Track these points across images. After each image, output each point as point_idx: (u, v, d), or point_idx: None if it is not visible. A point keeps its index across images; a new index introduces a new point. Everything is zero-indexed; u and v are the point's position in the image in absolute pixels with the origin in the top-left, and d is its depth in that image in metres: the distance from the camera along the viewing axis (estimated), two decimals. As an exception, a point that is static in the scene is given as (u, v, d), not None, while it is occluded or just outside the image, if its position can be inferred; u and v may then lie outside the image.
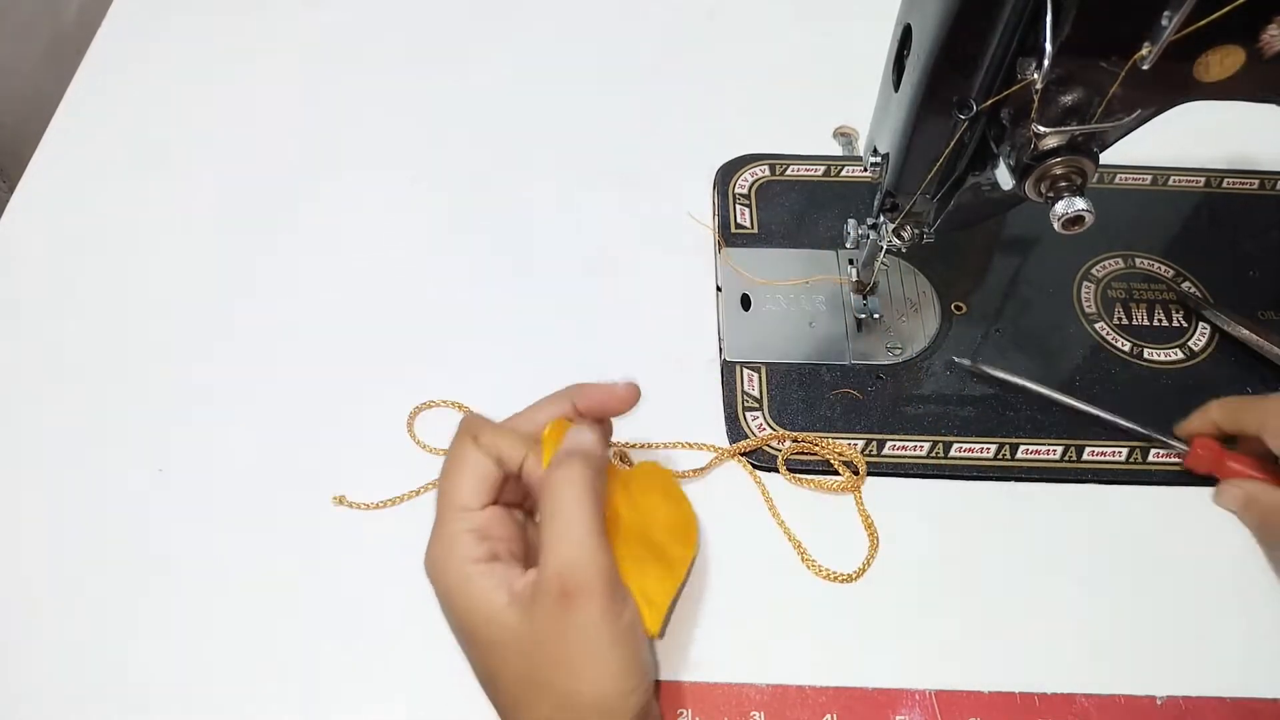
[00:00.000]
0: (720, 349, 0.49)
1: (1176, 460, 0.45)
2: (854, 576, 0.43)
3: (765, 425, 0.46)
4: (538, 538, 0.35)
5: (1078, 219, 0.37)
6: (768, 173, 0.56)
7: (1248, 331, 0.48)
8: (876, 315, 0.49)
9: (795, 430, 0.46)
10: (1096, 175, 0.37)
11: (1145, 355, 0.49)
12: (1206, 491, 0.45)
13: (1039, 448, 0.46)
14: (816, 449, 0.45)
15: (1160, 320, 0.50)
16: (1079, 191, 0.36)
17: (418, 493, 0.45)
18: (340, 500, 0.44)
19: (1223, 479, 0.44)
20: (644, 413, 0.47)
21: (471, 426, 0.37)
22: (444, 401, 0.47)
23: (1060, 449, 0.46)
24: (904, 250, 0.44)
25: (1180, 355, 0.49)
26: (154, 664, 0.40)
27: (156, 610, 0.42)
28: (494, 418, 0.47)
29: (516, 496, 0.39)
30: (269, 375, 0.48)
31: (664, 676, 0.40)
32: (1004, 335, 0.49)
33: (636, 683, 0.34)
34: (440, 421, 0.47)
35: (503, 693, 0.35)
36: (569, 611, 0.33)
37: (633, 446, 0.46)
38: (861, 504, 0.44)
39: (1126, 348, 0.49)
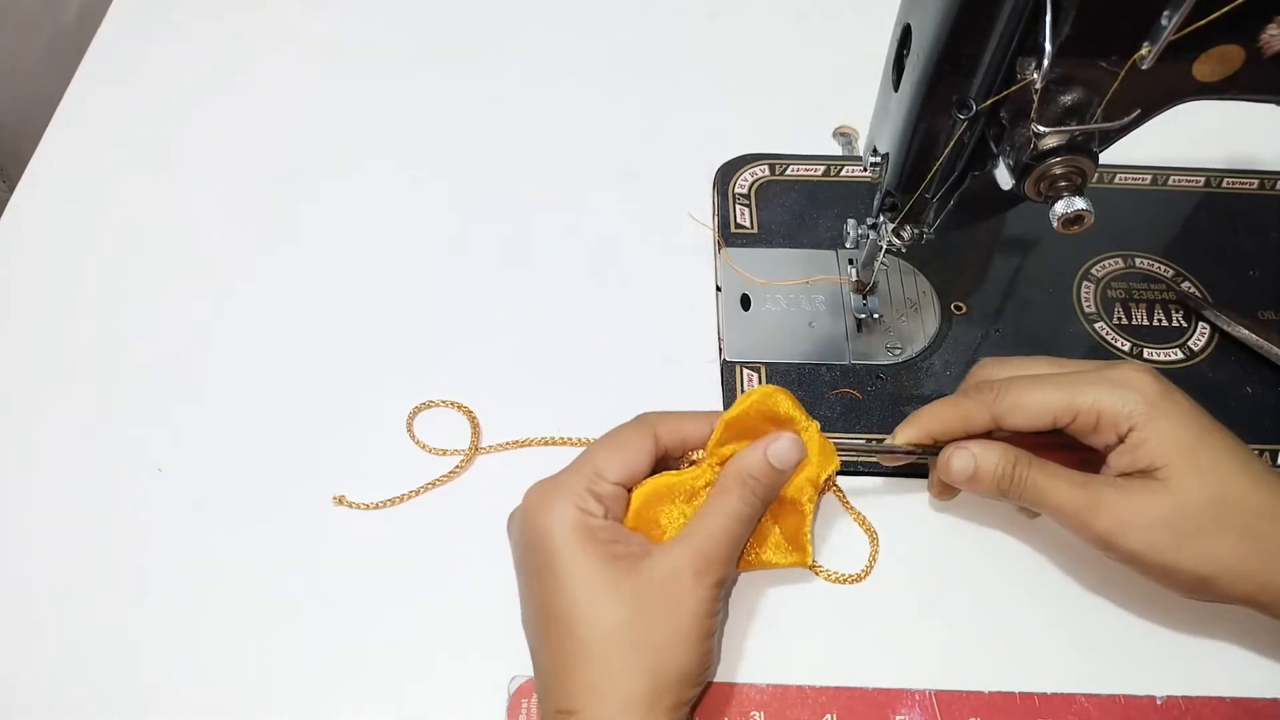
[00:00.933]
0: (720, 349, 0.49)
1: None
2: (859, 577, 0.42)
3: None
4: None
5: (1077, 219, 0.37)
6: (768, 173, 0.56)
7: (1247, 331, 0.48)
8: (876, 315, 0.49)
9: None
10: (1096, 175, 0.37)
11: (1145, 355, 0.49)
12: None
13: (1039, 448, 0.46)
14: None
15: (1160, 320, 0.50)
16: (1079, 191, 0.36)
17: (417, 493, 0.45)
18: (340, 500, 0.44)
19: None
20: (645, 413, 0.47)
21: (651, 419, 0.39)
22: (443, 401, 0.47)
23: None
24: (904, 250, 0.44)
25: (1180, 355, 0.49)
26: (153, 665, 0.40)
27: (156, 610, 0.42)
28: (494, 418, 0.47)
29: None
30: (269, 375, 0.48)
31: (664, 676, 0.40)
32: (1004, 335, 0.49)
33: (709, 670, 0.37)
34: (440, 421, 0.47)
35: (576, 640, 0.34)
36: (701, 574, 0.35)
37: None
38: (847, 502, 0.44)
39: (1126, 348, 0.49)
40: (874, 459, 0.40)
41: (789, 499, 0.40)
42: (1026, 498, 0.38)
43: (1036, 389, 0.38)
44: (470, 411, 0.47)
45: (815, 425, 0.40)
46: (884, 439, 0.41)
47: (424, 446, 0.46)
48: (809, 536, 0.41)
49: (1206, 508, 0.35)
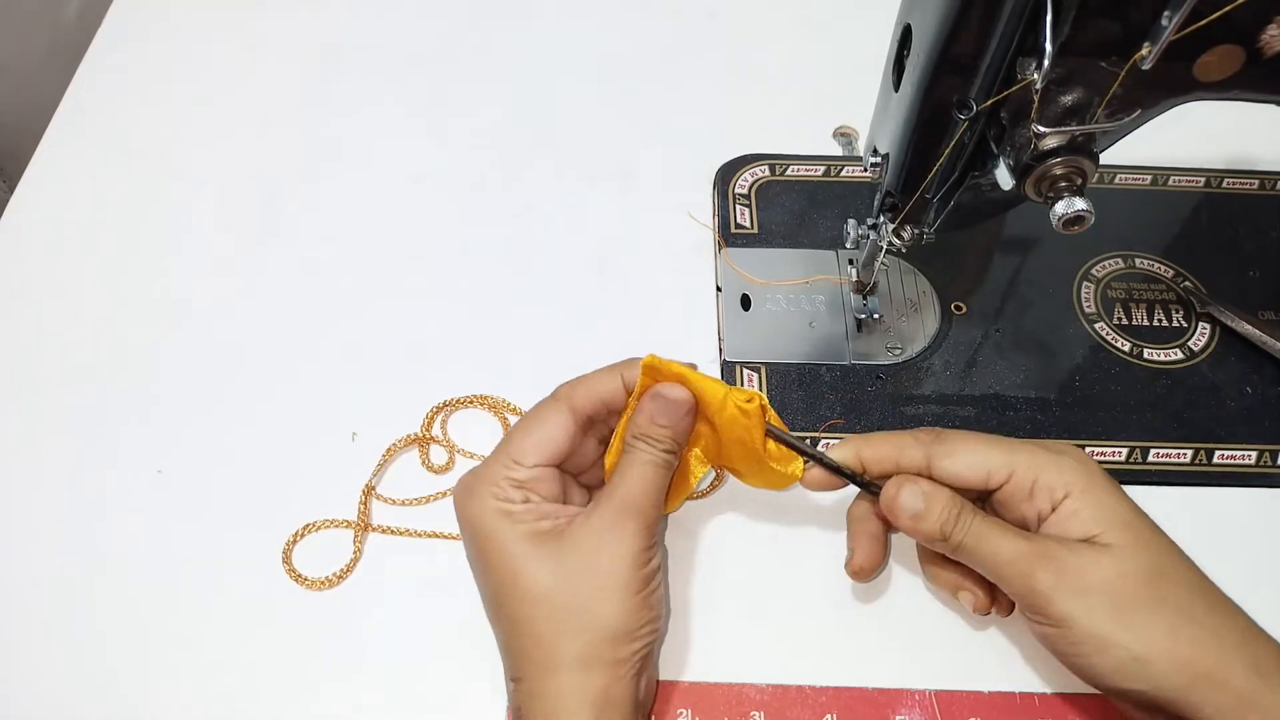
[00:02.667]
0: (720, 349, 0.49)
1: (1170, 461, 0.45)
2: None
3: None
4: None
5: (1078, 219, 0.37)
6: (768, 173, 0.56)
7: (1250, 327, 0.48)
8: (876, 315, 0.49)
9: (796, 431, 0.46)
10: (1096, 175, 0.37)
11: (1145, 355, 0.49)
12: (1207, 492, 0.45)
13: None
14: None
15: (1160, 320, 0.50)
16: (1079, 191, 0.36)
17: (422, 500, 0.45)
18: (369, 493, 0.45)
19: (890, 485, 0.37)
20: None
21: (564, 390, 0.39)
22: (470, 400, 0.47)
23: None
24: (904, 250, 0.44)
25: (1180, 355, 0.49)
26: (152, 665, 0.40)
27: (155, 611, 0.42)
28: (495, 417, 0.47)
29: (577, 468, 0.40)
30: (269, 374, 0.48)
31: (663, 676, 0.40)
32: (1004, 335, 0.49)
33: (651, 621, 0.36)
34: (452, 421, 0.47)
35: (509, 617, 0.36)
36: (617, 528, 0.36)
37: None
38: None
39: (1126, 348, 0.49)
40: (805, 458, 0.38)
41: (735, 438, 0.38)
42: (968, 544, 0.36)
43: (978, 441, 0.37)
44: (499, 404, 0.47)
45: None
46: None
47: (431, 467, 0.46)
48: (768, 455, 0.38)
49: (1148, 578, 0.33)
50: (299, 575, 0.43)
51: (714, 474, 0.45)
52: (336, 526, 0.44)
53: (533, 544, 0.36)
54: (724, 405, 0.37)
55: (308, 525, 0.44)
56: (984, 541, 0.35)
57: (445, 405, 0.47)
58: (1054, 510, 0.35)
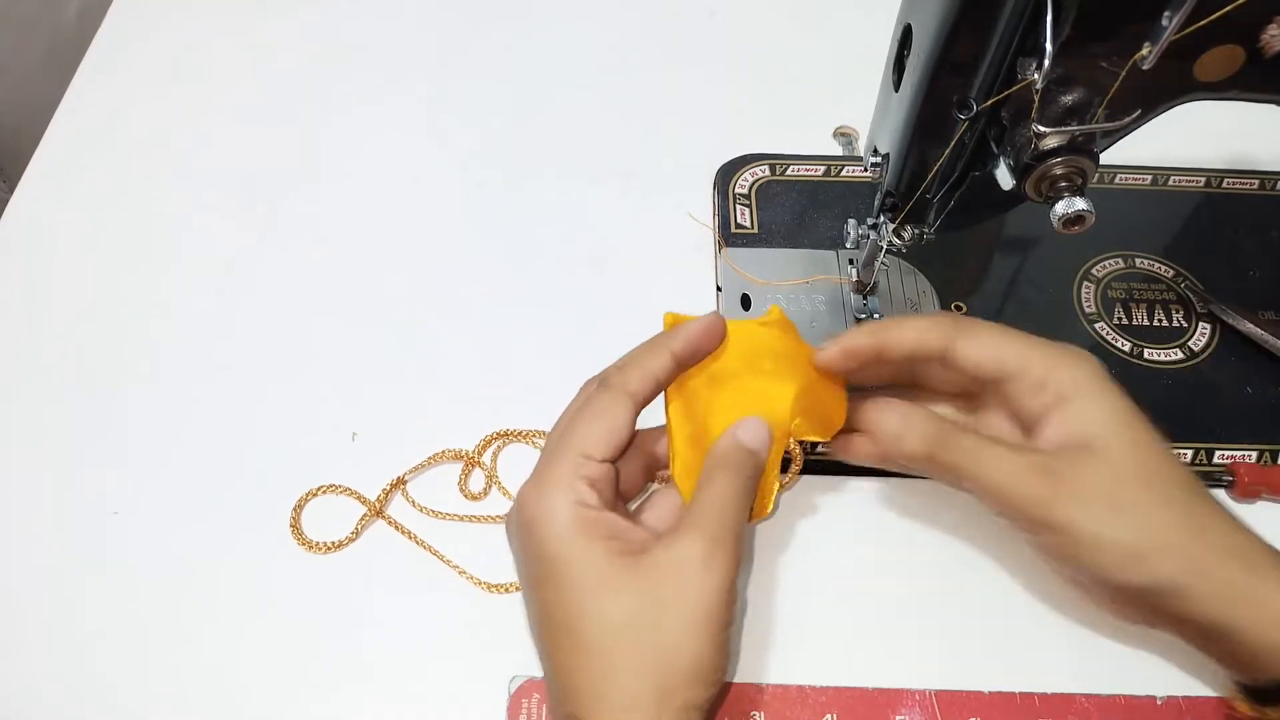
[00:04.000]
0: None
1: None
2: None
3: (765, 425, 0.46)
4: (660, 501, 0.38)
5: (1078, 219, 0.37)
6: (768, 173, 0.56)
7: (1253, 326, 0.48)
8: (877, 315, 0.49)
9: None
10: (1096, 175, 0.37)
11: (1145, 355, 0.49)
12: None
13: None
14: None
15: (1160, 320, 0.50)
16: (1079, 191, 0.36)
17: (448, 516, 0.45)
18: (404, 484, 0.45)
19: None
20: (644, 413, 0.47)
21: (616, 380, 0.37)
22: (530, 433, 0.47)
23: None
24: (904, 250, 0.44)
25: (1180, 355, 0.49)
26: (152, 666, 0.40)
27: (154, 611, 0.42)
28: (492, 417, 0.47)
29: (628, 464, 0.39)
30: (269, 373, 0.48)
31: (664, 676, 0.40)
32: (1004, 335, 0.49)
33: (723, 670, 0.34)
34: (439, 423, 0.47)
35: (579, 647, 0.33)
36: (710, 560, 0.33)
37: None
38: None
39: (1126, 348, 0.49)
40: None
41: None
42: (960, 463, 0.36)
43: (997, 330, 0.37)
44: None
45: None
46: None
47: (467, 491, 0.45)
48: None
49: (1143, 477, 0.35)
50: (303, 537, 0.43)
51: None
52: (351, 496, 0.44)
53: (614, 567, 0.33)
54: (754, 338, 0.37)
55: (325, 486, 0.44)
56: (975, 456, 0.36)
57: (503, 435, 0.46)
58: (1058, 408, 0.36)
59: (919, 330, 0.38)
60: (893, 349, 0.38)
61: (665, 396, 0.38)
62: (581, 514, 0.34)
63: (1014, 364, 0.37)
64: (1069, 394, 0.36)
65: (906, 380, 0.41)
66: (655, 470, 0.40)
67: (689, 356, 0.38)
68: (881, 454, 0.39)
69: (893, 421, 0.37)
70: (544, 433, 0.46)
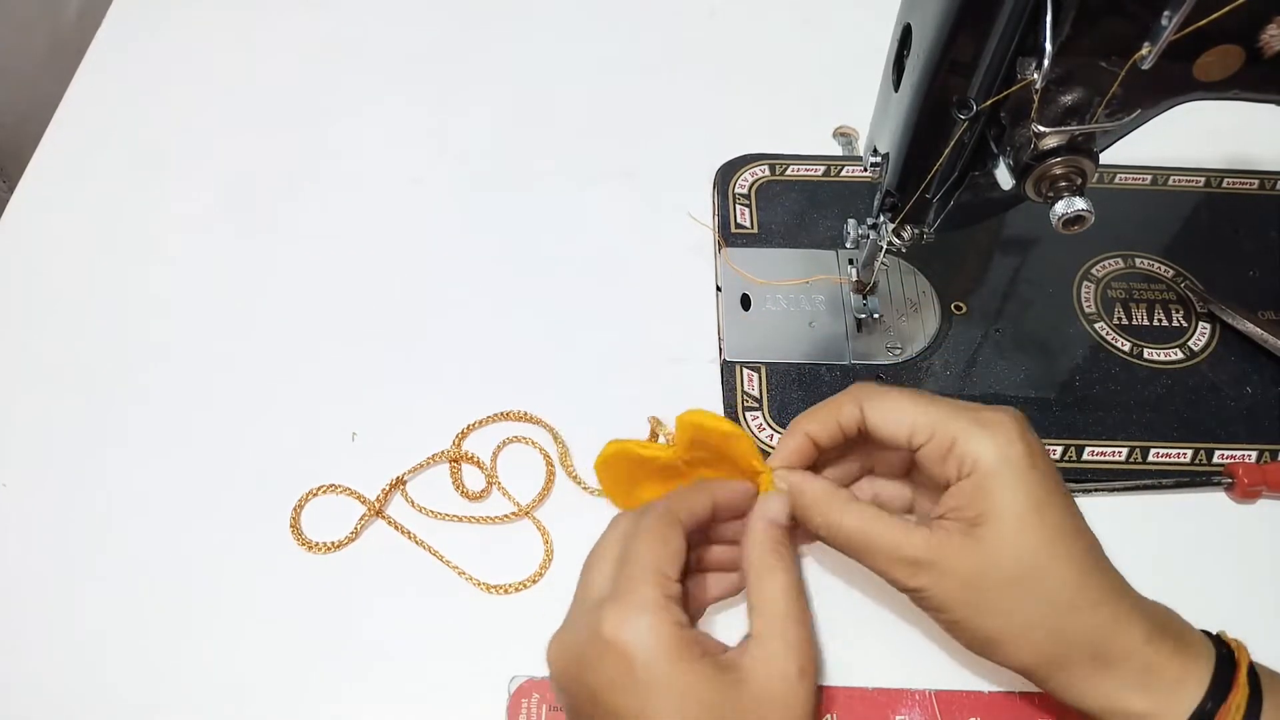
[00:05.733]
0: (720, 349, 0.49)
1: (1170, 461, 0.45)
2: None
3: (765, 425, 0.46)
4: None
5: (1078, 219, 0.37)
6: (768, 173, 0.56)
7: (1252, 325, 0.48)
8: (876, 315, 0.49)
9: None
10: (1096, 175, 0.37)
11: (1145, 355, 0.49)
12: (1208, 494, 0.45)
13: (1039, 448, 0.46)
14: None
15: (1160, 320, 0.50)
16: (1079, 191, 0.36)
17: (446, 517, 0.45)
18: (404, 484, 0.45)
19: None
20: (644, 413, 0.47)
21: (661, 505, 0.36)
22: (500, 416, 0.47)
23: (1060, 449, 0.46)
24: (904, 250, 0.44)
25: (1180, 355, 0.49)
26: (152, 667, 0.40)
27: (154, 612, 0.42)
28: (492, 417, 0.47)
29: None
30: (268, 374, 0.48)
31: (664, 676, 0.40)
32: (1004, 335, 0.49)
33: None
34: (439, 423, 0.47)
35: None
36: (803, 679, 0.33)
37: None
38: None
39: (1126, 348, 0.49)
40: None
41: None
42: (841, 541, 0.37)
43: (908, 399, 0.37)
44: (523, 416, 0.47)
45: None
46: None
47: (465, 492, 0.45)
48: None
49: (1012, 578, 0.34)
50: (303, 537, 0.43)
51: None
52: (351, 496, 0.44)
53: (716, 686, 0.32)
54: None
55: (324, 486, 0.44)
56: (861, 525, 0.36)
57: (475, 425, 0.46)
58: (958, 482, 0.35)
59: (836, 411, 0.38)
60: (823, 441, 0.38)
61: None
62: (681, 635, 0.32)
63: (922, 431, 0.36)
64: (969, 470, 0.35)
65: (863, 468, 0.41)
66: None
67: (726, 508, 0.38)
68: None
69: (775, 502, 0.37)
70: (529, 415, 0.46)
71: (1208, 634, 0.35)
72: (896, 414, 0.37)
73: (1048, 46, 0.33)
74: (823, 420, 0.38)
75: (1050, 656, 0.34)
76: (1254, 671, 0.34)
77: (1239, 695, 0.33)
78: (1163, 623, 0.35)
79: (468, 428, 0.46)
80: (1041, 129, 0.35)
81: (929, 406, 0.36)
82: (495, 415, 0.47)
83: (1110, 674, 0.34)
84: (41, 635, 0.41)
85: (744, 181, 0.56)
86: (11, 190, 0.55)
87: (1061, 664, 0.34)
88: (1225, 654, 0.34)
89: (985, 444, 0.35)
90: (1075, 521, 0.35)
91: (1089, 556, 0.35)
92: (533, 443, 0.46)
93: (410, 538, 0.44)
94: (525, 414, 0.47)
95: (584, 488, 0.45)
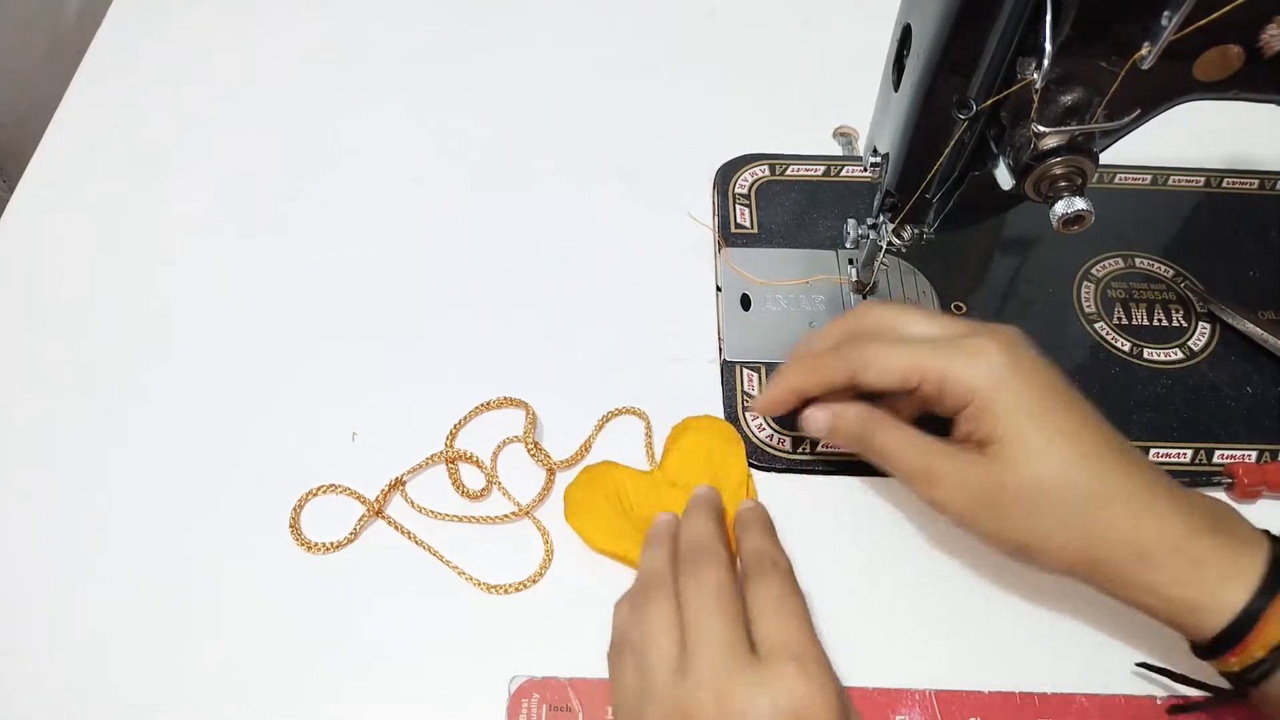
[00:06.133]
0: (720, 349, 0.49)
1: (1170, 461, 0.45)
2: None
3: (765, 425, 0.46)
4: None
5: (1077, 219, 0.37)
6: (768, 173, 0.56)
7: (1253, 326, 0.48)
8: (876, 315, 0.49)
9: (794, 431, 0.46)
10: (1096, 175, 0.37)
11: (1145, 355, 0.49)
12: (1208, 494, 0.45)
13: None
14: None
15: (1160, 320, 0.50)
16: (1079, 191, 0.36)
17: (446, 518, 0.45)
18: (403, 485, 0.45)
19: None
20: (641, 409, 0.47)
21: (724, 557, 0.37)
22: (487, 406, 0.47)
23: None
24: (904, 250, 0.44)
25: (1180, 355, 0.49)
26: (152, 668, 0.40)
27: (152, 613, 0.42)
28: (492, 418, 0.47)
29: None
30: (268, 374, 0.48)
31: (664, 676, 0.40)
32: (1004, 335, 0.49)
33: None
34: (439, 423, 0.47)
35: None
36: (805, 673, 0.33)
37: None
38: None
39: (1126, 348, 0.49)
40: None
41: None
42: (876, 458, 0.39)
43: (891, 351, 0.38)
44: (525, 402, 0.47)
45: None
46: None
47: (465, 491, 0.45)
48: None
49: (1025, 490, 0.35)
50: (302, 538, 0.43)
51: None
52: (351, 496, 0.44)
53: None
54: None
55: (324, 486, 0.44)
56: (886, 457, 0.39)
57: (463, 422, 0.47)
58: (960, 412, 0.37)
59: (827, 373, 0.39)
60: (809, 391, 0.40)
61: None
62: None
63: (912, 377, 0.37)
64: (965, 401, 0.36)
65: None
66: None
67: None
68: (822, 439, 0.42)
69: (821, 420, 0.40)
70: (510, 399, 0.46)
71: (1268, 534, 0.35)
72: (883, 367, 0.38)
73: (1048, 46, 0.33)
74: (812, 380, 0.40)
75: (1086, 556, 0.35)
76: None
77: None
78: (1209, 516, 0.35)
79: (457, 425, 0.46)
80: (1041, 129, 0.35)
81: (912, 353, 0.37)
82: (479, 407, 0.47)
83: (1153, 569, 0.34)
84: (41, 635, 0.41)
85: (744, 181, 0.56)
86: (11, 190, 0.55)
87: (1101, 562, 0.35)
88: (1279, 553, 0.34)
89: (972, 373, 0.36)
90: (1083, 422, 0.36)
91: (1105, 454, 0.35)
92: (530, 444, 0.46)
93: (410, 538, 0.44)
94: (507, 398, 0.47)
95: (584, 488, 0.45)
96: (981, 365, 0.36)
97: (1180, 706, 0.38)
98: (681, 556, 0.37)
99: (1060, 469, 0.35)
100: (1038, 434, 0.35)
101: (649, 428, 0.46)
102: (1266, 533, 0.36)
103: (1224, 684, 0.36)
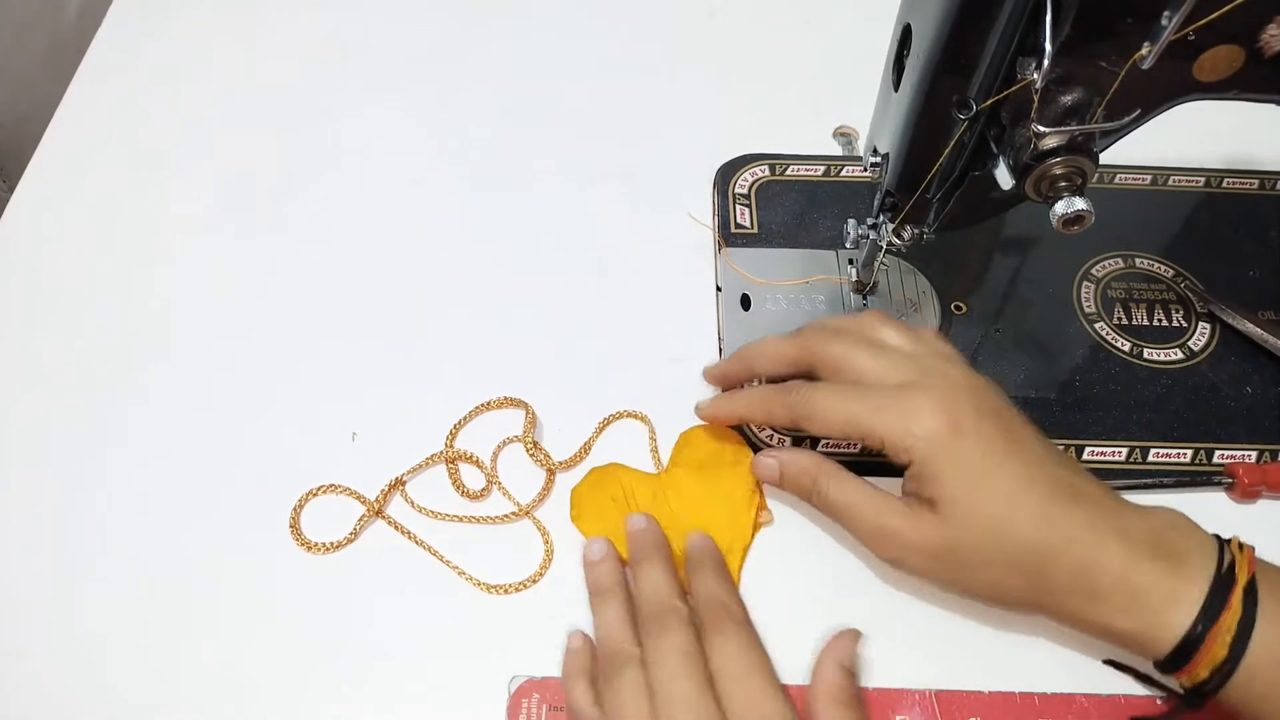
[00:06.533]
0: (720, 349, 0.49)
1: (1170, 461, 0.45)
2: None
3: (765, 425, 0.46)
4: None
5: (1077, 219, 0.37)
6: (768, 173, 0.56)
7: (1252, 325, 0.48)
8: (876, 315, 0.49)
9: (795, 431, 0.46)
10: (1096, 175, 0.37)
11: (1145, 355, 0.49)
12: (1210, 495, 0.45)
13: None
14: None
15: (1160, 320, 0.50)
16: (1079, 191, 0.36)
17: (446, 518, 0.45)
18: (403, 485, 0.45)
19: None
20: (643, 413, 0.47)
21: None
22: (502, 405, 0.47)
23: (1060, 449, 0.45)
24: (904, 250, 0.44)
25: (1180, 355, 0.49)
26: (151, 669, 0.40)
27: (152, 614, 0.42)
28: (491, 418, 0.47)
29: None
30: (268, 374, 0.48)
31: (664, 676, 0.40)
32: (1004, 335, 0.49)
33: None
34: (439, 423, 0.47)
35: None
36: None
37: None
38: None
39: (1126, 348, 0.49)
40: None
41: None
42: (827, 511, 0.40)
43: (833, 406, 0.38)
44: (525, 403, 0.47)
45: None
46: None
47: (464, 490, 0.45)
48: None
49: (973, 549, 0.36)
50: (302, 538, 0.43)
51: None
52: (351, 496, 0.44)
53: None
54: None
55: (324, 486, 0.44)
56: (838, 512, 0.39)
57: (463, 422, 0.47)
58: (907, 468, 0.37)
59: (769, 415, 0.41)
60: (750, 420, 0.44)
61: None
62: None
63: (852, 433, 0.38)
64: (906, 460, 0.37)
65: None
66: None
67: None
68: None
69: (768, 467, 0.42)
70: (521, 402, 0.46)
71: (1219, 539, 0.36)
72: (824, 421, 0.39)
73: (1048, 46, 0.33)
74: (758, 417, 0.43)
75: (1039, 600, 0.36)
76: (1252, 589, 0.34)
77: (1230, 617, 0.33)
78: (1150, 541, 0.35)
79: (457, 425, 0.46)
80: (1041, 129, 0.35)
81: (854, 409, 0.38)
82: (479, 407, 0.47)
83: (1099, 602, 0.35)
84: (41, 635, 0.41)
85: (744, 181, 0.56)
86: (11, 190, 0.55)
87: (1053, 602, 0.36)
88: (1226, 569, 0.35)
89: (909, 440, 0.36)
90: (1026, 474, 0.36)
91: (1049, 502, 0.36)
92: (529, 447, 0.46)
93: (410, 538, 0.44)
94: (507, 398, 0.47)
95: (584, 488, 0.45)
96: (916, 430, 0.36)
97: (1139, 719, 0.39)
98: (644, 617, 0.38)
99: (1005, 528, 0.35)
100: (980, 496, 0.36)
101: (653, 432, 0.46)
102: (1216, 538, 0.36)
103: (1157, 692, 0.38)
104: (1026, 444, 0.37)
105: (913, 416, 0.36)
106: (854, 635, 0.39)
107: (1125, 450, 0.46)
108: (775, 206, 0.54)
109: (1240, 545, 0.35)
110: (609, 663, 0.37)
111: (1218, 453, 0.45)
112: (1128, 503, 0.37)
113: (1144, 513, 0.36)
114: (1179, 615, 0.34)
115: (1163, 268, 0.52)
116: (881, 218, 0.44)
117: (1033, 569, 0.35)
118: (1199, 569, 0.34)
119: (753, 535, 0.43)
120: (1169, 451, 0.45)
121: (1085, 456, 0.45)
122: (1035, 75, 0.34)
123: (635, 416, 0.47)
